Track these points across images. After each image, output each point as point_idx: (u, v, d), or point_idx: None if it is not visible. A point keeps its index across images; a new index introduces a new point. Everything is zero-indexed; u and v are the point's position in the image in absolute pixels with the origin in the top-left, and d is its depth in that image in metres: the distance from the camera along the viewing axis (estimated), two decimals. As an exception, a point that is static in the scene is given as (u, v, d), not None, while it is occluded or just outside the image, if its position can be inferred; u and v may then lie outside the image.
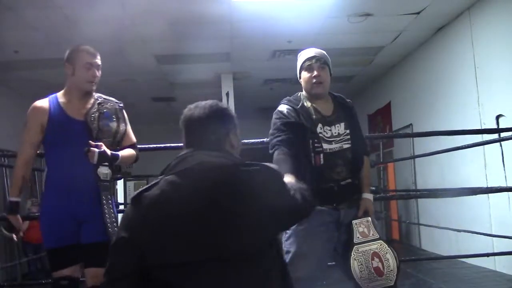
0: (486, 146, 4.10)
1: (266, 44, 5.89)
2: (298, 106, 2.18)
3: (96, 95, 2.22)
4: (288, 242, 2.10)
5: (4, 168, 5.97)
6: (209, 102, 1.40)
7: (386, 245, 2.01)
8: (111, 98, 2.28)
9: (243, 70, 7.01)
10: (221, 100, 7.05)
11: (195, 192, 1.22)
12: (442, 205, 5.57)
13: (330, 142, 2.11)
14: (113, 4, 4.41)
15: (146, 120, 10.22)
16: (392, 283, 1.95)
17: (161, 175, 1.30)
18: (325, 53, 2.24)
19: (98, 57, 2.18)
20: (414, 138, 6.46)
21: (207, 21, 4.97)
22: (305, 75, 2.22)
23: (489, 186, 4.47)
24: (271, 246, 1.29)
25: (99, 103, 2.18)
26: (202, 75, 7.06)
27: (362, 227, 2.05)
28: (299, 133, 2.09)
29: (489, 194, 4.44)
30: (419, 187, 6.39)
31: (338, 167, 2.10)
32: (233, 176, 1.26)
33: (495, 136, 3.69)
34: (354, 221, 2.07)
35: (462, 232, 4.52)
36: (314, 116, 2.14)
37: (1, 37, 5.04)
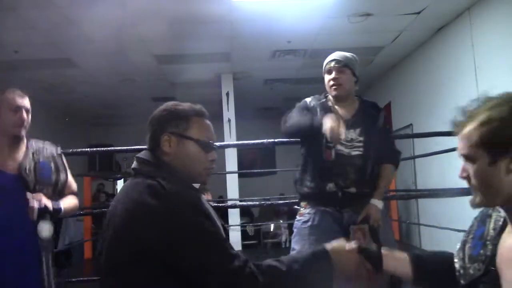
0: (486, 146, 4.10)
1: (266, 44, 5.89)
2: (320, 102, 2.20)
3: (29, 142, 2.00)
4: (293, 240, 2.14)
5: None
6: (167, 103, 1.33)
7: None
8: (46, 143, 2.06)
9: (243, 70, 7.01)
10: (221, 100, 7.05)
11: (115, 197, 1.26)
12: (442, 205, 5.57)
13: (340, 145, 2.10)
14: (113, 4, 4.41)
15: (146, 120, 10.18)
16: None
17: None
18: (349, 55, 2.20)
19: (27, 99, 1.98)
20: (414, 138, 6.46)
21: (207, 21, 4.97)
22: (326, 78, 2.22)
23: (489, 186, 4.46)
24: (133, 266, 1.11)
25: (33, 152, 1.96)
26: (202, 75, 7.06)
27: (358, 233, 2.01)
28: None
29: (489, 194, 4.43)
30: (419, 187, 6.39)
31: (346, 173, 2.08)
32: (130, 188, 1.19)
33: (495, 136, 3.68)
34: (351, 226, 2.04)
35: (462, 232, 4.51)
36: None
37: (1, 37, 5.05)
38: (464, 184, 1.06)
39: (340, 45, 6.08)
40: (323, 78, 2.25)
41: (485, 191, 1.01)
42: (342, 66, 2.14)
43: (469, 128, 1.04)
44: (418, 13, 5.02)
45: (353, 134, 2.12)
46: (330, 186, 2.07)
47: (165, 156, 1.25)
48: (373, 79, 7.91)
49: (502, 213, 1.09)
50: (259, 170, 7.14)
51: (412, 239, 6.85)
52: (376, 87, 8.19)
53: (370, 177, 2.11)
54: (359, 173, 2.08)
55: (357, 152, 2.10)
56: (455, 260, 1.19)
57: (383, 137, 2.18)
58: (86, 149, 5.76)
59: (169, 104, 1.32)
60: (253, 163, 8.03)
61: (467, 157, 1.03)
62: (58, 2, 4.33)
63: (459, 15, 5.13)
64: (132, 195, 1.15)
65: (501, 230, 1.07)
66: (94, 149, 4.97)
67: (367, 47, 6.21)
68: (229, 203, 6.51)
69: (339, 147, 2.08)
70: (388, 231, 2.16)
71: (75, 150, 3.13)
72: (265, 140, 2.73)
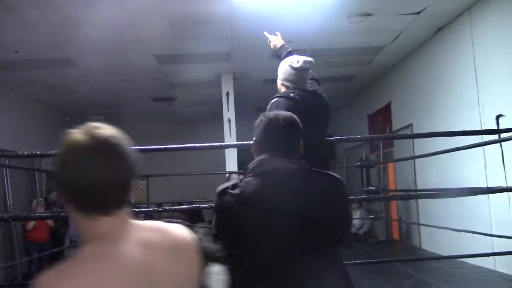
0: (486, 146, 4.10)
1: (266, 44, 5.87)
2: None
3: None
4: None
5: (4, 168, 5.97)
6: (287, 113, 1.56)
7: None
8: None
9: (243, 70, 7.01)
10: (221, 100, 7.05)
11: (271, 192, 1.40)
12: (442, 205, 5.57)
13: None
14: (113, 4, 4.41)
15: (146, 120, 10.21)
16: None
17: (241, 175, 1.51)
18: None
19: None
20: (414, 138, 6.46)
21: (207, 21, 4.97)
22: None
23: (489, 186, 4.47)
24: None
25: None
26: (202, 75, 7.05)
27: None
28: None
29: (489, 194, 4.44)
30: (419, 187, 6.39)
31: None
32: (303, 180, 1.44)
33: (495, 136, 3.68)
34: None
35: (462, 232, 4.52)
36: None
37: (1, 37, 5.05)
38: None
39: (340, 45, 6.12)
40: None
41: None
42: None
43: None
44: (418, 13, 5.02)
45: None
46: None
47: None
48: (373, 79, 7.91)
49: None
50: (259, 170, 7.15)
51: (412, 239, 6.85)
52: (376, 87, 8.19)
53: None
54: None
55: None
56: None
57: None
58: (86, 149, 5.77)
59: (296, 118, 1.57)
60: (253, 163, 8.05)
61: None
62: (58, 2, 4.33)
63: (459, 15, 5.13)
64: (336, 186, 1.48)
65: None
66: (94, 149, 4.98)
67: (367, 47, 6.21)
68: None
69: None
70: None
71: (75, 150, 3.11)
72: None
